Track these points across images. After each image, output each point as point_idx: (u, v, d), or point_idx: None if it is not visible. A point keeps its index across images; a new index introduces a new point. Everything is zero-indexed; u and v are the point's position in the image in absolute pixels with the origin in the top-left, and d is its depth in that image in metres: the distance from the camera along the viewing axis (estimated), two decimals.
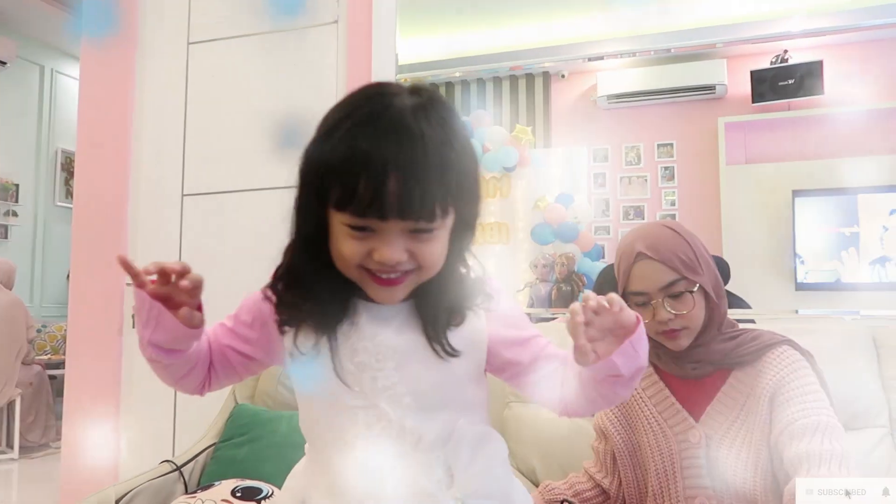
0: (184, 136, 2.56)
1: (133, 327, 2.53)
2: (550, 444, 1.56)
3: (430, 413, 0.83)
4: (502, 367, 0.88)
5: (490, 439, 0.86)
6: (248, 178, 2.47)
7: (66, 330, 5.37)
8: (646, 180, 4.85)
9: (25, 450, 4.38)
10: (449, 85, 5.13)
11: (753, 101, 4.45)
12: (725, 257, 4.35)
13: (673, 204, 4.78)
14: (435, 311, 0.82)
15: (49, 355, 5.08)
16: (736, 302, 3.43)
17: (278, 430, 1.66)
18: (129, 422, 2.53)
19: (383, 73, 2.28)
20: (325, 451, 0.86)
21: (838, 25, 3.76)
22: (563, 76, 5.14)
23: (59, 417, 4.82)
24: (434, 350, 0.82)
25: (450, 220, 0.80)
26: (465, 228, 0.82)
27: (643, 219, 4.86)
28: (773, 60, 4.45)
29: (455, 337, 0.83)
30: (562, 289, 4.57)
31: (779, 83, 4.36)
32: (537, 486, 1.50)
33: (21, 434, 4.33)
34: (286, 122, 2.28)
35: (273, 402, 1.80)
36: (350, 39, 2.35)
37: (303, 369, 0.85)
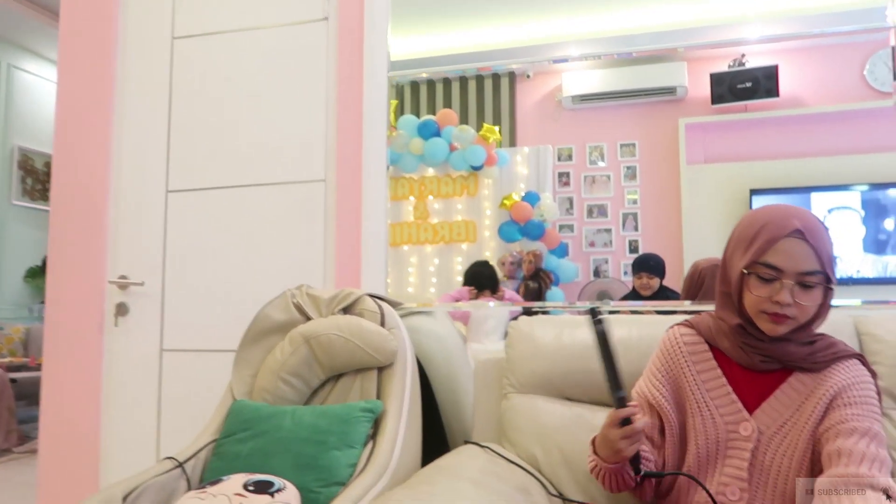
0: (168, 132, 2.54)
1: (116, 325, 2.51)
2: (550, 433, 1.61)
3: None
4: None
5: None
6: (234, 174, 2.47)
7: (24, 332, 5.24)
8: (609, 179, 4.96)
9: None
10: (414, 84, 5.17)
11: (713, 103, 4.61)
12: (685, 253, 4.52)
13: (635, 202, 4.90)
14: None
15: (9, 358, 4.92)
16: (673, 295, 3.59)
17: (282, 426, 1.67)
18: (111, 423, 2.50)
19: (375, 71, 2.30)
20: None
21: (793, 32, 3.94)
22: (528, 76, 5.23)
23: (20, 422, 4.69)
24: None
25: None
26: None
27: (606, 217, 4.98)
28: (731, 64, 4.63)
29: None
30: (529, 286, 4.66)
31: (737, 86, 4.53)
32: (542, 472, 1.56)
33: None
34: None
35: (273, 397, 1.81)
36: (341, 37, 2.36)
37: None
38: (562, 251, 4.75)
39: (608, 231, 4.77)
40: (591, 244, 4.81)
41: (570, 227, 4.98)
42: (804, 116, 4.23)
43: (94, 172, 2.58)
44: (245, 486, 1.46)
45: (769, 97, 4.28)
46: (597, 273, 4.76)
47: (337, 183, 2.35)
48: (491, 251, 4.87)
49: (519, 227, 4.72)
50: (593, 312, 1.13)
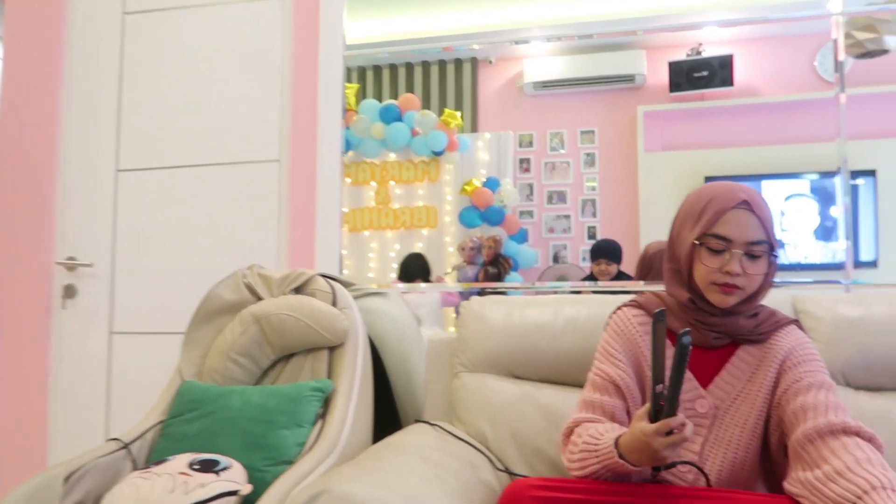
0: (118, 110, 2.48)
1: (63, 308, 2.45)
2: (499, 411, 1.62)
3: None
4: None
5: None
6: (186, 154, 2.42)
7: None
8: (568, 165, 4.99)
9: None
10: (377, 68, 5.13)
11: (670, 91, 4.67)
12: (642, 239, 4.60)
13: (594, 189, 4.95)
14: None
15: None
16: (627, 278, 3.67)
17: (231, 405, 1.66)
18: (59, 408, 2.45)
19: (330, 52, 2.27)
20: None
21: (749, 17, 4.02)
22: (490, 62, 5.22)
23: None
24: None
25: None
26: None
27: (566, 203, 5.02)
28: (689, 53, 4.69)
29: None
30: (489, 271, 4.68)
31: (694, 74, 4.59)
32: (491, 449, 1.58)
33: None
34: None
35: (222, 378, 1.79)
36: (296, 17, 2.33)
37: None
38: (521, 237, 4.79)
39: (567, 217, 4.81)
40: (551, 230, 4.86)
41: (530, 213, 5.01)
42: (757, 105, 4.33)
43: (41, 151, 2.52)
44: (190, 465, 1.45)
45: (724, 86, 4.36)
46: (556, 259, 4.81)
47: (291, 163, 2.33)
48: (451, 237, 4.88)
49: (479, 212, 4.73)
50: (657, 317, 1.07)
